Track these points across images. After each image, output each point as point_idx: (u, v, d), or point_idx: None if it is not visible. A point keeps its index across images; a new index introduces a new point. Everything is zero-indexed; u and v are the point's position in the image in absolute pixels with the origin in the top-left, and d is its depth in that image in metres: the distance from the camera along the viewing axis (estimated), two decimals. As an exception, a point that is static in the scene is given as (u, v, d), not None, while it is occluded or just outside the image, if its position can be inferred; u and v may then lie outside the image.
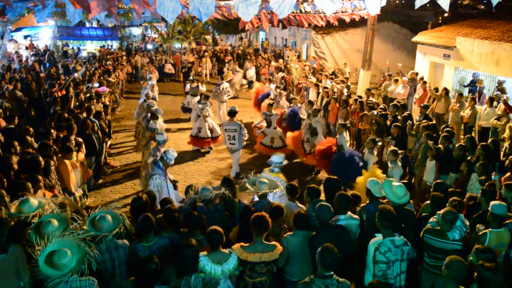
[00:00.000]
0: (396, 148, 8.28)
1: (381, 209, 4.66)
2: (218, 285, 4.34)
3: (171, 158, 7.29)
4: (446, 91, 13.11)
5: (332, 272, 4.00)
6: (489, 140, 8.73)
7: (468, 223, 5.53)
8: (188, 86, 15.87)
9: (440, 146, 8.39)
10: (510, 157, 7.44)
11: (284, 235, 5.05)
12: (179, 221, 5.16)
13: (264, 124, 12.10)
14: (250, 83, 22.71)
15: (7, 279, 4.47)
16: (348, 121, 11.16)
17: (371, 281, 3.87)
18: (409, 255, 4.67)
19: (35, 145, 7.93)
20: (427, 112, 11.41)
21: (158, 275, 4.06)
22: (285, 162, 7.60)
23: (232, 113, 10.39)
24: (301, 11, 9.70)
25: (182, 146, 12.96)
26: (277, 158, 7.51)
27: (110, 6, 4.50)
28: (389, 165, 8.04)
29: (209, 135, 12.29)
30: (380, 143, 9.44)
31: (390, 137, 9.82)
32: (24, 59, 25.71)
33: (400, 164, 8.03)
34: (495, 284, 3.76)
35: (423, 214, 5.90)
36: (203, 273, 4.28)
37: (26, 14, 27.60)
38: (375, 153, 8.51)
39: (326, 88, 14.45)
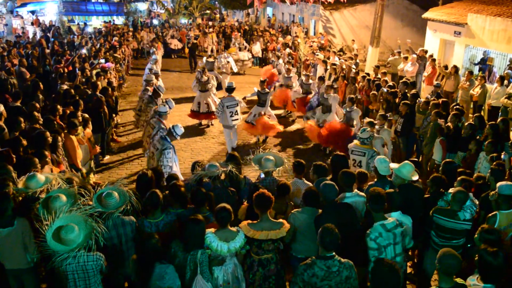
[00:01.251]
0: (384, 113, 8.62)
1: (370, 192, 4.62)
2: (224, 262, 4.37)
3: (180, 133, 7.25)
4: (455, 68, 12.89)
5: (333, 253, 3.97)
6: (499, 119, 8.61)
7: (477, 202, 5.50)
8: (204, 60, 15.67)
9: (449, 124, 8.30)
10: (520, 136, 7.37)
11: (292, 211, 5.05)
12: (186, 197, 5.16)
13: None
14: (256, 59, 22.49)
15: (15, 252, 4.55)
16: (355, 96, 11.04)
17: (375, 260, 3.83)
18: (404, 237, 4.58)
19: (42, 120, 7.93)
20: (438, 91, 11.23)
21: (159, 251, 4.07)
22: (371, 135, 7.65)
23: (230, 89, 10.35)
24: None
25: (189, 122, 12.97)
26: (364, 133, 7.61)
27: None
28: (377, 128, 8.37)
29: (206, 110, 12.54)
30: (392, 119, 9.45)
31: (398, 115, 9.71)
32: (31, 35, 25.56)
33: (386, 127, 8.44)
34: (495, 268, 3.75)
35: (426, 195, 5.88)
36: (209, 250, 4.29)
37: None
38: (386, 127, 8.59)
39: (334, 65, 14.29)
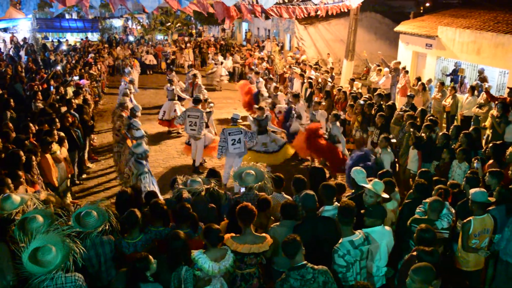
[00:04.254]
0: (387, 135, 8.37)
1: (340, 204, 4.56)
2: (210, 282, 4.31)
3: (141, 151, 7.10)
4: (423, 86, 12.91)
5: (305, 262, 3.99)
6: (471, 128, 8.83)
7: (453, 211, 5.61)
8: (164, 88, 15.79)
9: (422, 135, 8.46)
10: (491, 144, 7.56)
11: (271, 225, 5.04)
12: (168, 215, 5.12)
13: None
14: (229, 74, 22.49)
15: (-11, 277, 4.40)
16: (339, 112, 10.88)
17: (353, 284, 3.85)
18: (371, 253, 4.55)
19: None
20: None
21: (147, 268, 4.03)
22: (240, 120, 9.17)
23: (196, 101, 10.55)
24: (284, 2, 9.66)
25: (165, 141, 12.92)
26: (236, 115, 9.16)
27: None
28: (379, 151, 8.10)
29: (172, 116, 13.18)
30: (394, 140, 9.23)
31: (374, 126, 9.86)
32: (5, 52, 25.12)
33: (390, 150, 8.11)
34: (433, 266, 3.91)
35: (406, 201, 5.95)
36: (199, 271, 4.23)
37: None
38: (389, 150, 8.24)
39: (311, 78, 14.44)
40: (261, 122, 10.29)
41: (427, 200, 5.42)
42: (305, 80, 14.69)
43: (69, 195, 8.31)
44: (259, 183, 5.94)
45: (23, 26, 34.23)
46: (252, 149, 10.06)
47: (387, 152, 8.08)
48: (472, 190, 5.37)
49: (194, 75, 15.01)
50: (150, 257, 4.06)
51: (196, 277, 4.23)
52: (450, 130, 8.73)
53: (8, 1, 5.51)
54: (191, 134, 10.30)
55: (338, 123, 9.56)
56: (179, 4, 5.76)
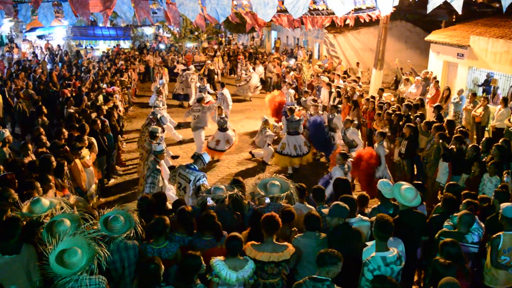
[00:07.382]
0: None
1: (379, 219, 4.43)
2: None
3: (207, 160, 7.26)
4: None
5: (327, 278, 3.88)
6: (500, 140, 8.54)
7: (483, 225, 5.47)
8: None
9: (452, 147, 8.27)
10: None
11: (295, 236, 5.02)
12: (193, 223, 5.17)
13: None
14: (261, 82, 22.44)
15: (17, 279, 4.51)
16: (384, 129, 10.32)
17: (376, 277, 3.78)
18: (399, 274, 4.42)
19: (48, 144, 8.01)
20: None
21: (159, 275, 4.06)
22: None
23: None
24: (310, 13, 9.65)
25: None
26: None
27: (106, 8, 4.58)
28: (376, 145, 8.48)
29: None
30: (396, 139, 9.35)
31: (401, 137, 9.69)
32: (41, 58, 25.98)
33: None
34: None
35: (433, 215, 5.83)
36: (217, 278, 4.27)
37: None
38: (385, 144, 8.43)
39: (339, 87, 14.35)
40: (292, 124, 10.82)
41: (458, 213, 5.30)
42: (333, 89, 14.60)
43: (95, 199, 8.47)
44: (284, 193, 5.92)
45: (58, 34, 35.38)
46: (283, 153, 10.73)
47: (381, 146, 8.76)
48: (503, 205, 5.22)
49: (223, 85, 15.60)
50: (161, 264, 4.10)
51: (214, 284, 4.25)
52: (481, 143, 8.49)
53: (52, 12, 5.72)
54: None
55: (384, 143, 9.13)
56: (203, 23, 5.89)
